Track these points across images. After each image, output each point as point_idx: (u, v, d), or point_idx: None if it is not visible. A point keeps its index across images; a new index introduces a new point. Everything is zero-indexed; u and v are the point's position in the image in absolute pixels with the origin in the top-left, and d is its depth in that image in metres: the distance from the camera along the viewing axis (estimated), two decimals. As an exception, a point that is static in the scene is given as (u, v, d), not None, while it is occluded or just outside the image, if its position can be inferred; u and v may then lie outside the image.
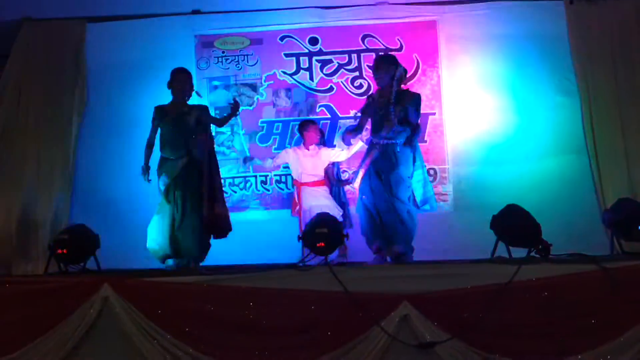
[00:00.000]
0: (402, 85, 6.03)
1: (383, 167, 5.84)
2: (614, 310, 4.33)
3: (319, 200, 6.55)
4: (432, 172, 7.14)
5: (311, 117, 7.27)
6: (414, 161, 5.92)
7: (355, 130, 6.22)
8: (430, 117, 7.26)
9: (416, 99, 5.99)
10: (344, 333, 4.36)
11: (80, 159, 7.36)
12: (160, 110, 6.10)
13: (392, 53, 6.97)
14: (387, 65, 5.99)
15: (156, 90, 6.60)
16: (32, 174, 7.09)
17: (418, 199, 5.93)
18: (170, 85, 6.11)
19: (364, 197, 5.96)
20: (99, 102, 7.46)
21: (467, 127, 7.24)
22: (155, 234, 5.92)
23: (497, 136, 7.16)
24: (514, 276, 4.40)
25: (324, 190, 6.70)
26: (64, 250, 5.29)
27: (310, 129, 6.76)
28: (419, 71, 7.35)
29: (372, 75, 6.32)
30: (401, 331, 4.35)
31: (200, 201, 5.89)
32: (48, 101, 7.27)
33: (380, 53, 7.04)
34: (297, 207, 6.70)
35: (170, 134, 6.00)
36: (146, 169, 6.04)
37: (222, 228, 6.00)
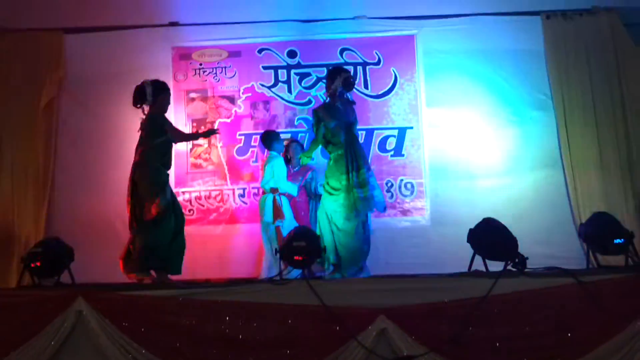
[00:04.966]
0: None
1: None
2: (590, 323, 4.36)
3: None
4: (409, 186, 7.16)
5: (290, 129, 7.28)
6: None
7: None
8: (408, 131, 7.28)
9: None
10: (321, 347, 4.34)
11: (57, 172, 7.23)
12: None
13: (372, 67, 7.10)
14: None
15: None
16: (7, 187, 6.99)
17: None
18: (165, 96, 5.77)
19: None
20: (77, 113, 7.35)
21: (444, 141, 7.25)
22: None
23: (474, 151, 7.20)
24: (491, 290, 4.41)
25: None
26: (38, 263, 5.23)
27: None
28: (397, 85, 7.37)
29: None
30: (379, 345, 4.33)
31: None
32: (25, 113, 7.15)
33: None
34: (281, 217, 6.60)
35: (170, 148, 5.75)
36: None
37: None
